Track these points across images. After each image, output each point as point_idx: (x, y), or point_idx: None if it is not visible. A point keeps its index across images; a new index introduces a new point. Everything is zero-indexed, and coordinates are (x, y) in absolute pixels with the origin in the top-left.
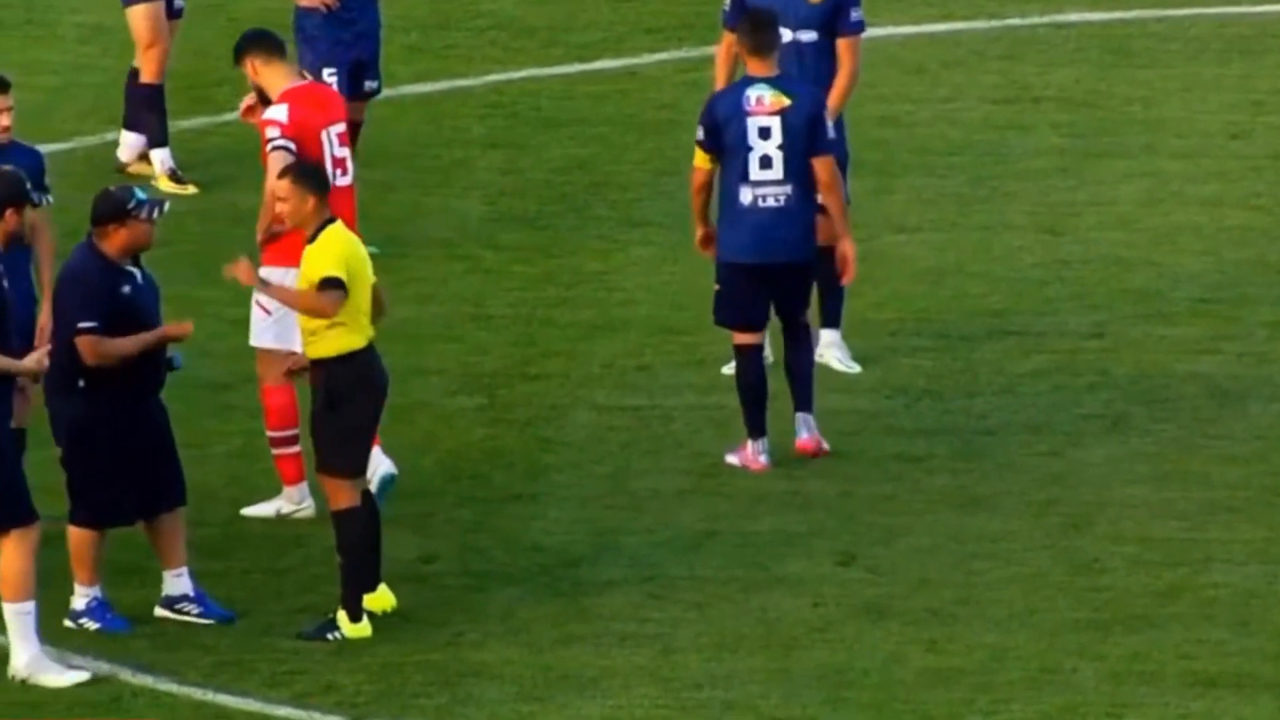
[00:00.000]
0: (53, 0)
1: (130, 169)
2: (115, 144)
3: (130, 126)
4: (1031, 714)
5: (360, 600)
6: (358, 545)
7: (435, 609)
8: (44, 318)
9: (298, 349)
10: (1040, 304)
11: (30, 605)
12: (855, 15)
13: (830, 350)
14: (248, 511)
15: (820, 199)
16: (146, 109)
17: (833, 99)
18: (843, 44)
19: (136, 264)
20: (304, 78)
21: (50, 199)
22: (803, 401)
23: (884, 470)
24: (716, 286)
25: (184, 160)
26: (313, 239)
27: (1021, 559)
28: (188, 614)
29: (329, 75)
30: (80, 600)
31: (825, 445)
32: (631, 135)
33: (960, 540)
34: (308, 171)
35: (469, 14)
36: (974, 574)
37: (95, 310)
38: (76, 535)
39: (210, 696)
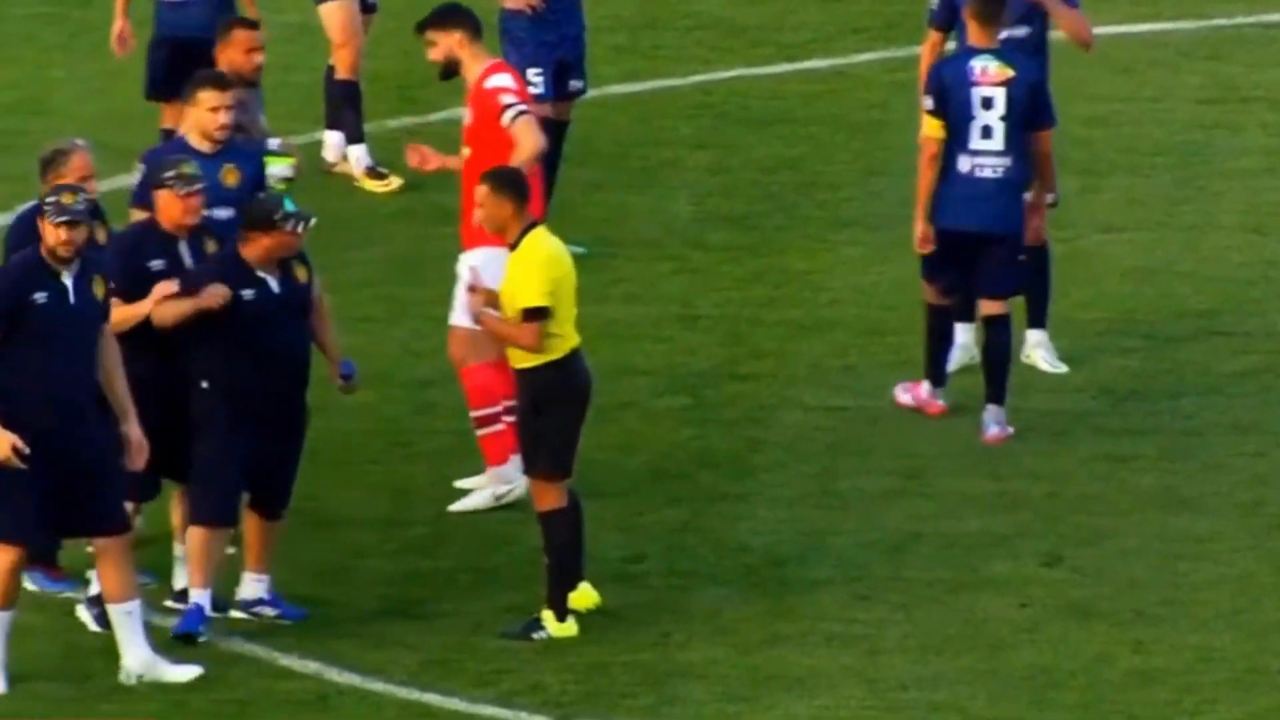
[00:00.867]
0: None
1: (336, 168)
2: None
3: (331, 126)
4: (1238, 715)
5: (566, 600)
6: (565, 545)
7: (642, 609)
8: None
9: None
10: (1247, 304)
11: (135, 604)
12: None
13: (1037, 350)
14: (458, 507)
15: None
16: (343, 106)
17: None
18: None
19: (282, 268)
20: None
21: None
22: (995, 393)
23: (1090, 471)
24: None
25: (390, 160)
26: (515, 245)
27: (1228, 560)
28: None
29: (534, 75)
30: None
31: (1010, 430)
32: (840, 135)
33: (1166, 541)
34: (506, 177)
35: (677, 14)
36: (1180, 575)
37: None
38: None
39: (416, 695)
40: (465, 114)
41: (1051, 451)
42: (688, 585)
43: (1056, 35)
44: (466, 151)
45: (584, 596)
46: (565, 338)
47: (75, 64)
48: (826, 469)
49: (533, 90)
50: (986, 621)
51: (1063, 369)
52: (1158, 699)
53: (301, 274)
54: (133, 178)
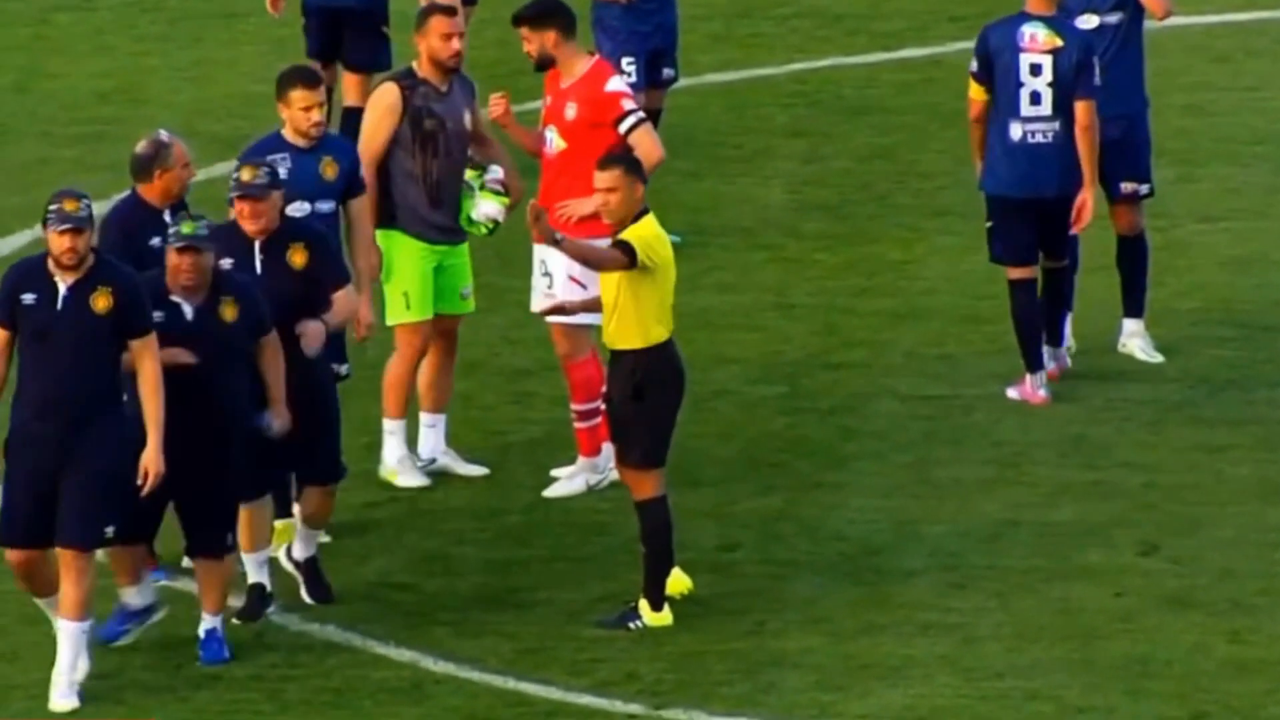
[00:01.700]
0: None
1: None
2: None
3: None
4: None
5: (663, 589)
6: (661, 534)
7: (736, 597)
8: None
9: (598, 322)
10: None
11: (87, 625)
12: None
13: (1133, 340)
14: (551, 492)
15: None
16: None
17: None
18: None
19: (209, 299)
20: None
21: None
22: (1053, 338)
23: (1186, 460)
24: (989, 223)
25: None
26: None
27: None
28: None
29: (628, 64)
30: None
31: (1068, 361)
32: (935, 124)
33: (1263, 530)
34: (635, 160)
35: (772, 2)
36: (1277, 565)
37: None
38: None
39: (512, 684)
40: (569, 108)
41: (1148, 441)
42: (782, 574)
43: (1151, 25)
44: (559, 143)
45: (677, 581)
46: (665, 323)
47: (171, 53)
48: (921, 458)
49: (625, 79)
50: (1082, 611)
51: (1159, 359)
52: (1254, 689)
53: (228, 313)
54: (230, 167)
